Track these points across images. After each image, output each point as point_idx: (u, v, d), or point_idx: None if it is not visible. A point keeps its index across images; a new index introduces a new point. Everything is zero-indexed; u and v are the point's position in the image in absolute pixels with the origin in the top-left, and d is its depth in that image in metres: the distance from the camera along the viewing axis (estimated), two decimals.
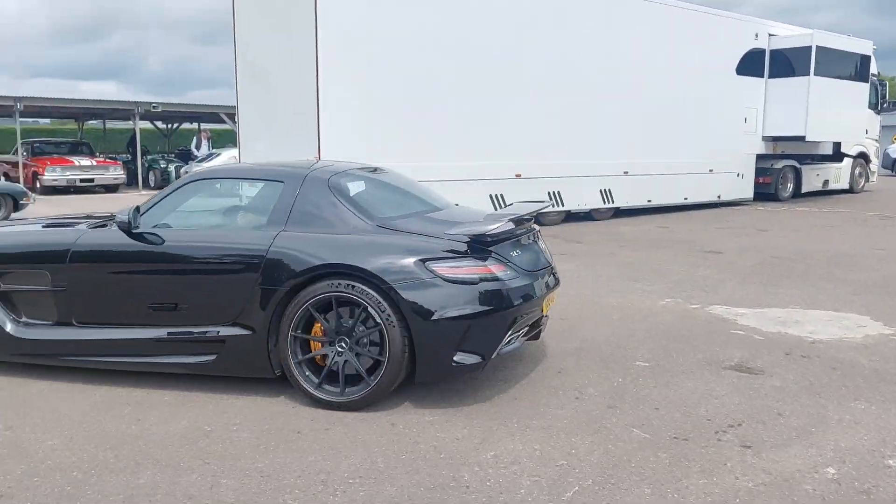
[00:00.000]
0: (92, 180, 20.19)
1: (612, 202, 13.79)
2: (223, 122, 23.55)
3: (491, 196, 11.88)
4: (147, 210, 4.41)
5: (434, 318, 3.75)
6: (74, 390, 4.19)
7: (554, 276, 4.58)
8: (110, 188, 20.89)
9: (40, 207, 15.34)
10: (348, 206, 4.21)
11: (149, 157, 23.19)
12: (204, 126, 24.70)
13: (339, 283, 3.83)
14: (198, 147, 21.91)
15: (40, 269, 4.50)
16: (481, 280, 3.87)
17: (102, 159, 21.49)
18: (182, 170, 20.78)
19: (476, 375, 4.19)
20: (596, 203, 13.60)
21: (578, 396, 4.08)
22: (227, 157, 20.03)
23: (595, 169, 13.27)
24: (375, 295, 3.77)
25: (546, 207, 5.16)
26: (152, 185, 22.35)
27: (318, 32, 9.97)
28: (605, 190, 13.60)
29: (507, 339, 3.98)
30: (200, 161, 19.84)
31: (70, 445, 3.43)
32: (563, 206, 12.95)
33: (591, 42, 12.87)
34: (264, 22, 11.21)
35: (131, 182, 22.31)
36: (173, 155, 25.48)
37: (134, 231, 4.27)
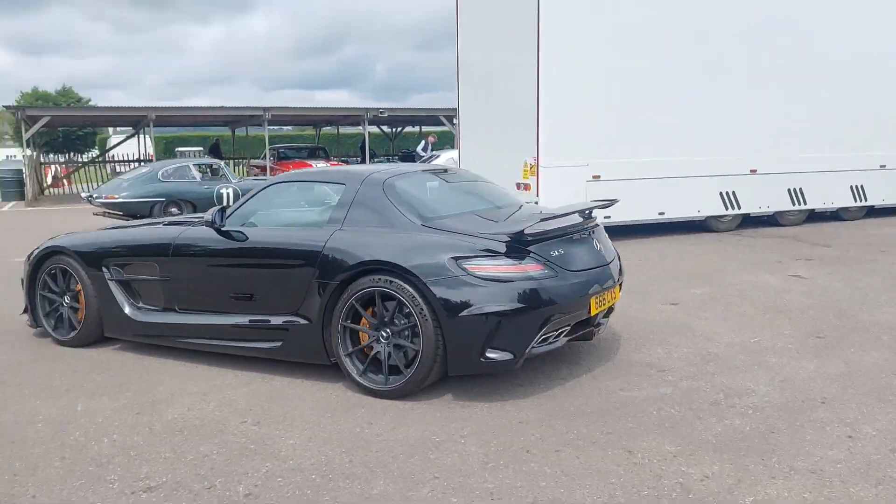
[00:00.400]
0: None
1: (865, 200, 12.15)
2: (443, 124, 24.36)
3: (721, 194, 10.99)
4: (234, 211, 4.96)
5: (463, 314, 3.93)
6: (314, 388, 4.36)
7: (611, 274, 4.58)
8: None
9: None
10: (398, 207, 4.47)
11: (376, 160, 24.66)
12: (426, 128, 25.70)
13: (379, 279, 4.13)
14: (424, 149, 22.85)
15: (151, 261, 5.15)
16: (514, 279, 3.99)
17: (336, 162, 23.17)
18: None
19: (515, 372, 4.20)
20: (845, 201, 12.07)
21: (852, 435, 3.48)
22: (445, 158, 20.67)
23: (844, 163, 11.76)
24: (410, 290, 4.02)
25: (612, 204, 5.16)
26: None
27: (541, 32, 9.80)
28: (856, 186, 12.02)
29: (540, 337, 4.06)
30: (423, 161, 20.65)
31: (309, 446, 3.54)
32: (804, 204, 11.64)
33: (838, 21, 11.40)
34: (487, 25, 11.29)
35: None
36: (397, 157, 26.86)
37: (221, 229, 4.85)
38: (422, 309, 3.97)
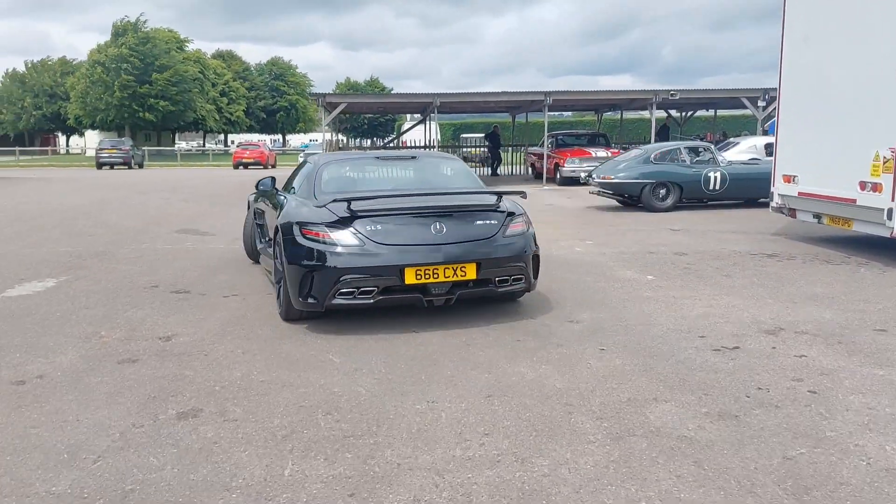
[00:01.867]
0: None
1: None
2: (744, 107, 21.30)
3: None
4: (284, 184, 7.10)
5: (292, 264, 5.42)
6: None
7: (446, 252, 5.31)
8: None
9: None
10: (316, 185, 6.14)
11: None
12: (719, 113, 22.72)
13: (278, 234, 5.89)
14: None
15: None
16: (323, 244, 5.31)
17: (617, 150, 21.46)
18: None
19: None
20: None
21: None
22: (745, 146, 17.91)
23: None
24: (280, 244, 5.72)
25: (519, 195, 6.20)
26: None
27: None
28: None
29: (335, 291, 5.23)
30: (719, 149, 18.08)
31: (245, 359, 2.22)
32: None
33: None
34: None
35: None
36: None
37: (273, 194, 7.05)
38: (281, 259, 5.61)
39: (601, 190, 14.43)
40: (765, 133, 21.11)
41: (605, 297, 6.54)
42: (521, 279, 5.68)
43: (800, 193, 9.37)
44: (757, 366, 4.60)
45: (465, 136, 39.90)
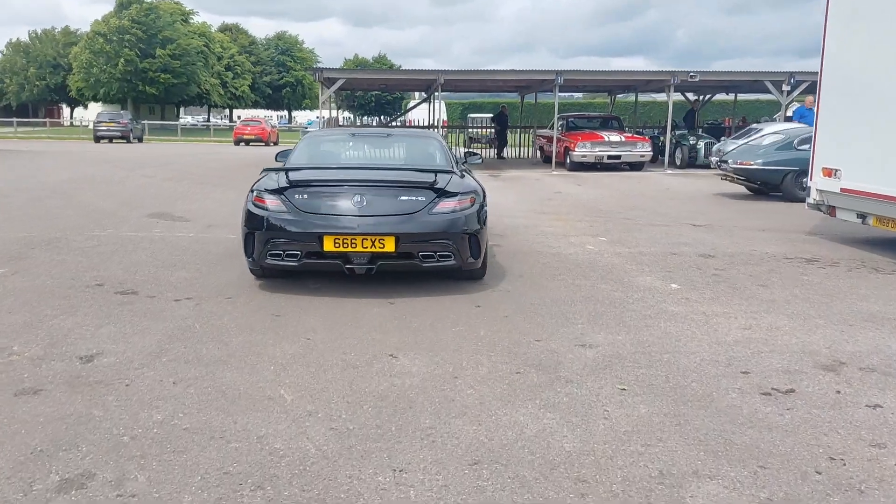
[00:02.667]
0: (619, 157, 19.14)
1: None
2: (766, 91, 20.11)
3: None
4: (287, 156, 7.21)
5: (242, 226, 5.97)
6: None
7: (365, 225, 5.62)
8: (635, 166, 19.58)
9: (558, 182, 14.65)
10: (293, 155, 7.03)
11: (677, 133, 21.23)
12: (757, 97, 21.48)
13: None
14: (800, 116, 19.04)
15: None
16: (258, 209, 5.82)
17: (631, 135, 20.32)
18: (714, 148, 18.19)
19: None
20: None
21: None
22: (771, 129, 16.77)
23: None
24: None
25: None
26: (678, 163, 20.35)
27: None
28: None
29: (266, 252, 5.74)
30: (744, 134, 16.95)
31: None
32: None
33: None
34: None
35: (656, 159, 20.75)
36: (701, 130, 23.11)
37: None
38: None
39: (734, 176, 13.47)
40: (788, 119, 19.92)
41: (624, 313, 5.53)
42: (448, 257, 5.80)
43: (842, 190, 8.30)
44: (821, 420, 3.60)
45: (472, 115, 38.69)
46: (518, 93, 26.33)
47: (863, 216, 8.18)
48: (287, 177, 5.98)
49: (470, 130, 29.29)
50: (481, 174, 18.95)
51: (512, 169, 20.73)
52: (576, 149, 19.27)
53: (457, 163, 6.98)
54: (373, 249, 5.64)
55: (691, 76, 18.80)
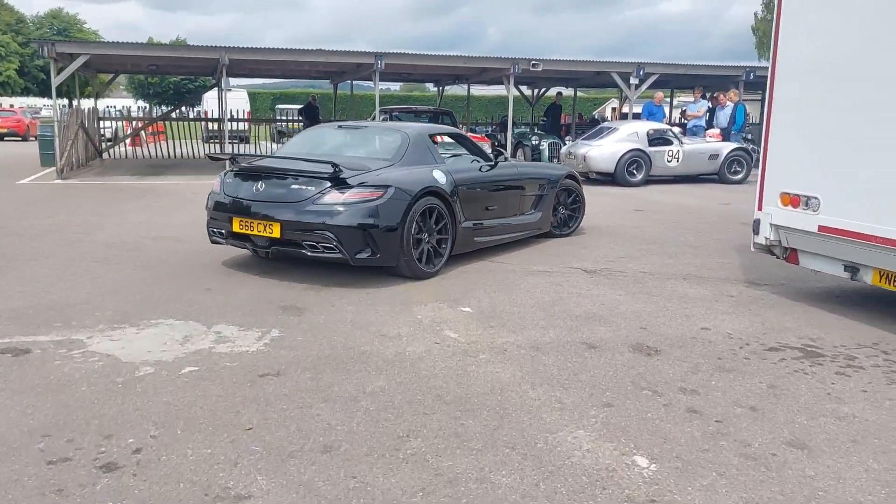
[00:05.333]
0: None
1: None
2: (612, 84, 17.84)
3: None
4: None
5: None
6: None
7: (258, 210, 6.03)
8: None
9: None
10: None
11: (517, 131, 18.43)
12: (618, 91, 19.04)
13: None
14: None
15: None
16: (212, 190, 6.62)
17: (468, 133, 17.22)
18: (564, 150, 15.51)
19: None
20: None
21: None
22: (625, 133, 14.42)
23: None
24: None
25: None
26: None
27: None
28: None
29: (210, 228, 6.56)
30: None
31: None
32: None
33: None
34: None
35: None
36: (538, 128, 20.65)
37: None
38: None
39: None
40: (636, 117, 17.84)
41: None
42: (332, 249, 5.85)
43: (822, 229, 5.43)
44: None
45: (281, 107, 34.13)
46: (331, 80, 22.37)
47: (854, 269, 5.36)
48: (232, 163, 6.94)
49: (279, 124, 24.99)
50: None
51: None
52: None
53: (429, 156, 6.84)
54: (264, 234, 6.00)
55: (533, 65, 16.01)
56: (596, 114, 33.13)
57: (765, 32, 39.14)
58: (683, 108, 16.93)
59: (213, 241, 6.64)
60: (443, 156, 7.17)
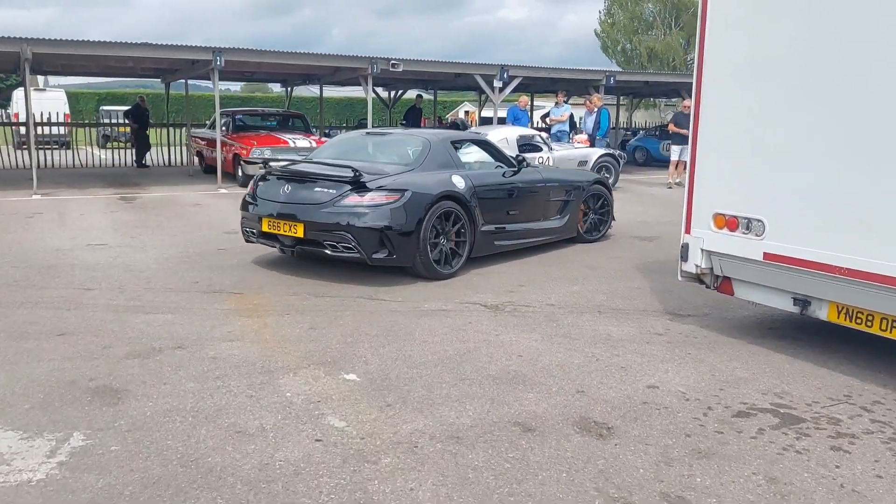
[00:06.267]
0: None
1: None
2: (473, 88, 17.02)
3: None
4: None
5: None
6: None
7: (283, 211, 6.43)
8: None
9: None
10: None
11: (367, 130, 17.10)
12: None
13: None
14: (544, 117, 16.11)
15: None
16: (247, 194, 7.05)
17: (321, 138, 15.69)
18: None
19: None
20: None
21: None
22: (496, 138, 13.50)
23: None
24: None
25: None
26: None
27: None
28: None
29: (243, 229, 6.98)
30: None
31: None
32: None
33: None
34: None
35: None
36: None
37: None
38: None
39: None
40: (500, 121, 17.17)
41: None
42: (351, 249, 6.15)
43: (769, 256, 4.63)
44: None
45: (107, 108, 30.63)
46: (162, 79, 19.90)
47: (805, 302, 4.60)
48: (264, 168, 7.07)
49: (103, 129, 22.06)
50: (108, 194, 12.79)
51: (157, 185, 14.70)
52: (250, 156, 14.02)
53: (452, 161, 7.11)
54: (290, 234, 6.35)
55: (393, 64, 14.80)
56: (455, 117, 32.50)
57: (609, 36, 40.15)
58: (545, 113, 16.43)
59: (247, 241, 7.05)
60: (465, 161, 7.48)
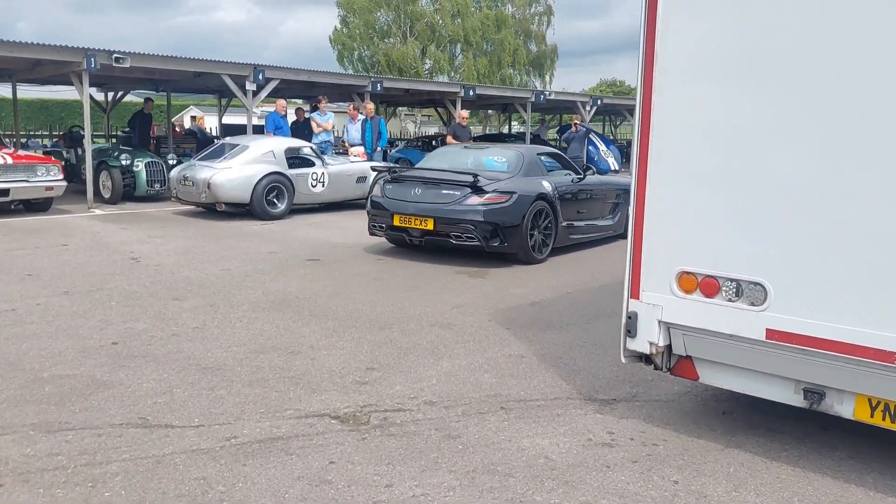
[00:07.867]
0: (6, 192, 10.68)
1: None
2: (220, 92, 14.35)
3: None
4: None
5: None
6: None
7: (416, 209, 7.84)
8: (38, 205, 11.38)
9: None
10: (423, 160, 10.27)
11: (95, 147, 13.61)
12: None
13: None
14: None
15: None
16: (373, 193, 8.50)
17: (25, 153, 11.97)
18: (176, 173, 11.62)
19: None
20: None
21: None
22: (259, 151, 11.34)
23: None
24: None
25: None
26: (107, 196, 12.85)
27: None
28: None
29: (372, 223, 8.47)
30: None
31: None
32: None
33: None
34: None
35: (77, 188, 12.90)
36: (122, 143, 16.10)
37: None
38: None
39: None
40: (259, 130, 14.81)
41: None
42: (472, 238, 7.65)
43: (773, 334, 3.28)
44: None
45: None
46: None
47: (818, 393, 3.33)
48: (390, 174, 8.41)
49: None
50: None
51: None
52: None
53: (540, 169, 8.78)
54: (420, 227, 7.81)
55: (118, 59, 11.66)
56: (193, 125, 28.68)
57: (344, 45, 38.78)
58: (307, 117, 14.42)
59: (372, 234, 8.53)
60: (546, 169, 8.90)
